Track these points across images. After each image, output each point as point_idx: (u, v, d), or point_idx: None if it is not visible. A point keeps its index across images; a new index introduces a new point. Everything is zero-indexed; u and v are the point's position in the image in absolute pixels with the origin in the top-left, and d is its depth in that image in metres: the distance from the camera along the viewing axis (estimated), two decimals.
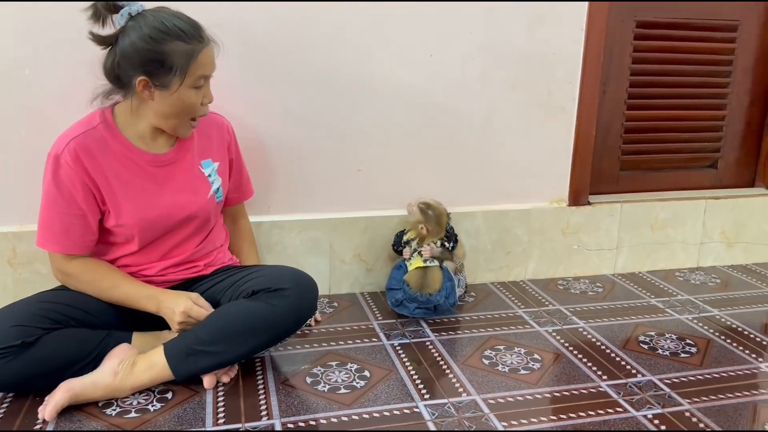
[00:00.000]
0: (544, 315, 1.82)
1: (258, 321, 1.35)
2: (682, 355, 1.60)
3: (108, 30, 1.33)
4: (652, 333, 1.72)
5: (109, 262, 1.43)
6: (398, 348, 1.59)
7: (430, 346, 1.60)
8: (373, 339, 1.63)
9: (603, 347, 1.63)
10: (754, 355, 1.60)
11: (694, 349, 1.63)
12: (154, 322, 1.45)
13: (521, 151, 2.01)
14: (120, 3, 1.32)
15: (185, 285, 1.50)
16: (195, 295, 1.41)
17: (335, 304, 1.86)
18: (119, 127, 1.39)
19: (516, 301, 1.92)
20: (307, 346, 1.59)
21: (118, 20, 1.31)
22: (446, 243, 1.80)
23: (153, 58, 1.29)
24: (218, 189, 1.51)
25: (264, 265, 1.60)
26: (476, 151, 1.97)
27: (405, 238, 1.83)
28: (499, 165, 2.00)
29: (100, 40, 1.32)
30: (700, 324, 1.78)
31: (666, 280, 2.12)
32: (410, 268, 1.77)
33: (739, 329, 1.75)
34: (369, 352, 1.57)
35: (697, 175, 2.31)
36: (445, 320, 1.77)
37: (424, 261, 1.77)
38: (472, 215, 1.98)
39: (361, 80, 1.80)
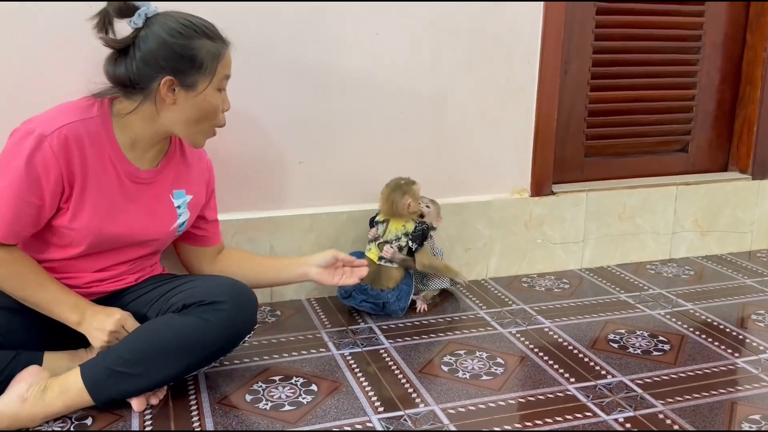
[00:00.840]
0: (508, 315, 1.85)
1: (189, 338, 1.34)
2: (655, 353, 1.65)
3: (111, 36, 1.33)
4: (623, 331, 1.77)
5: (36, 260, 1.39)
6: (349, 358, 1.59)
7: (384, 354, 1.61)
8: (321, 349, 1.64)
9: (570, 348, 1.67)
10: (730, 351, 1.66)
11: (667, 347, 1.68)
12: (70, 341, 1.41)
13: (478, 138, 2.04)
14: (134, 3, 1.32)
15: (107, 298, 1.47)
16: (126, 315, 1.39)
17: (278, 312, 1.85)
18: (114, 127, 1.37)
19: (477, 301, 1.95)
20: (246, 360, 1.58)
21: (134, 21, 1.32)
22: (411, 243, 1.81)
23: (183, 54, 1.31)
24: (183, 223, 1.51)
25: (196, 275, 1.58)
26: (429, 138, 1.98)
27: (377, 218, 1.85)
28: (454, 153, 2.02)
29: (117, 43, 1.32)
30: (674, 319, 1.84)
31: (636, 274, 2.18)
32: (366, 254, 1.81)
33: (715, 323, 1.81)
34: (316, 363, 1.57)
35: (666, 159, 2.38)
36: (400, 325, 1.78)
37: (379, 259, 1.80)
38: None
39: (296, 63, 1.80)
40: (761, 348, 1.68)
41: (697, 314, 1.88)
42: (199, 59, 1.33)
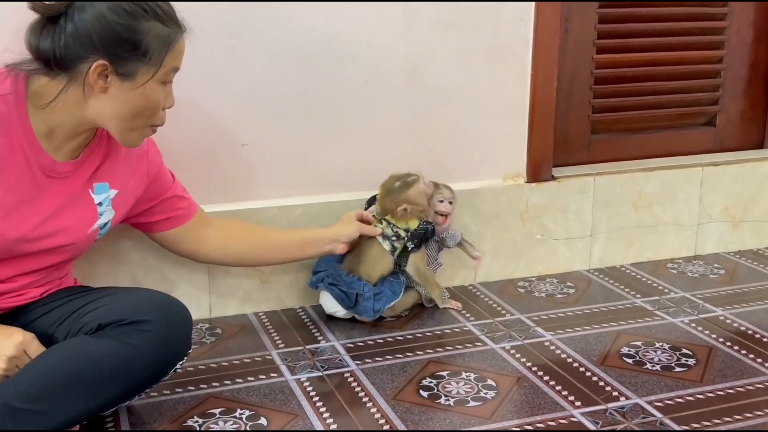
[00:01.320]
0: (500, 327, 1.86)
1: (107, 367, 1.32)
2: (677, 369, 1.66)
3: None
4: (639, 343, 1.78)
5: None
6: (306, 384, 1.59)
7: (350, 379, 1.61)
8: (272, 374, 1.63)
9: (576, 365, 1.67)
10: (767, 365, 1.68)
11: (692, 361, 1.69)
12: None
13: (462, 113, 2.03)
14: None
15: (6, 315, 1.45)
16: (30, 337, 1.36)
17: (218, 330, 1.84)
18: (29, 110, 1.34)
19: (464, 311, 1.95)
20: (179, 390, 1.56)
21: None
22: (408, 242, 1.84)
23: (124, 37, 1.29)
24: (106, 224, 1.49)
25: (116, 287, 1.57)
26: (401, 114, 1.98)
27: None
28: (433, 132, 2.02)
29: (46, 9, 1.28)
30: (700, 328, 1.85)
31: (655, 274, 2.19)
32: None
33: (750, 332, 1.83)
34: (266, 392, 1.55)
35: (690, 135, 2.40)
36: (370, 342, 1.77)
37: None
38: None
39: (238, 21, 1.78)
40: None
41: (729, 321, 1.89)
42: (143, 45, 1.31)
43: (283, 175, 1.91)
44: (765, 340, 1.80)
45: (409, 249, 1.85)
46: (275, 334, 1.82)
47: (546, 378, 1.62)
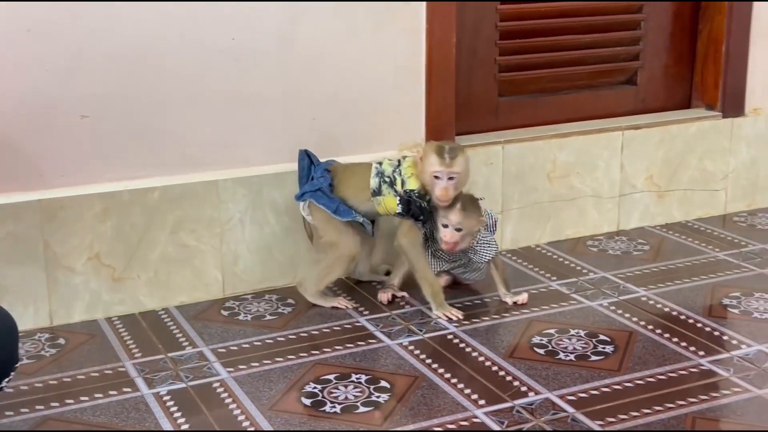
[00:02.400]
0: (399, 321, 1.87)
1: None
2: (593, 358, 1.69)
3: None
4: (552, 331, 1.81)
5: None
6: (167, 398, 1.56)
7: (220, 389, 1.59)
8: (126, 389, 1.60)
9: (482, 359, 1.69)
10: (693, 349, 1.72)
11: (609, 349, 1.73)
12: None
13: (346, 75, 2.02)
14: None
15: None
16: None
17: (61, 340, 1.79)
18: None
19: (355, 303, 1.95)
20: (10, 413, 1.51)
21: None
22: (401, 204, 1.86)
23: None
24: None
25: None
26: (275, 78, 1.96)
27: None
28: (314, 98, 2.00)
29: None
30: (620, 311, 1.90)
31: (574, 254, 2.24)
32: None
33: (674, 314, 1.88)
34: (117, 410, 1.53)
35: (608, 95, 2.44)
36: (245, 346, 1.76)
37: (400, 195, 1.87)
38: (281, 179, 1.98)
39: None
40: (734, 343, 1.76)
41: (652, 303, 1.94)
42: None
43: (134, 152, 1.87)
44: (690, 321, 1.85)
45: (396, 213, 1.87)
46: (131, 341, 1.79)
47: (447, 376, 1.63)
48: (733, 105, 2.49)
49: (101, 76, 1.81)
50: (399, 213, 1.86)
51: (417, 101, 2.11)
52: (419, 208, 1.85)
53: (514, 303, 1.92)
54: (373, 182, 1.87)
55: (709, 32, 2.48)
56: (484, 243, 1.91)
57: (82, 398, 1.57)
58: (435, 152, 1.82)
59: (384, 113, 2.09)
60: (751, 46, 2.47)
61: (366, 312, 1.91)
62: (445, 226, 1.85)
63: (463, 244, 1.87)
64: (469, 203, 1.86)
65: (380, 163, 1.89)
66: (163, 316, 1.89)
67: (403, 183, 1.86)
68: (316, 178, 1.89)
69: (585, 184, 2.32)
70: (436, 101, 2.13)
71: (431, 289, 1.89)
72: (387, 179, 1.87)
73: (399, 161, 1.89)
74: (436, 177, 1.82)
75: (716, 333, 1.80)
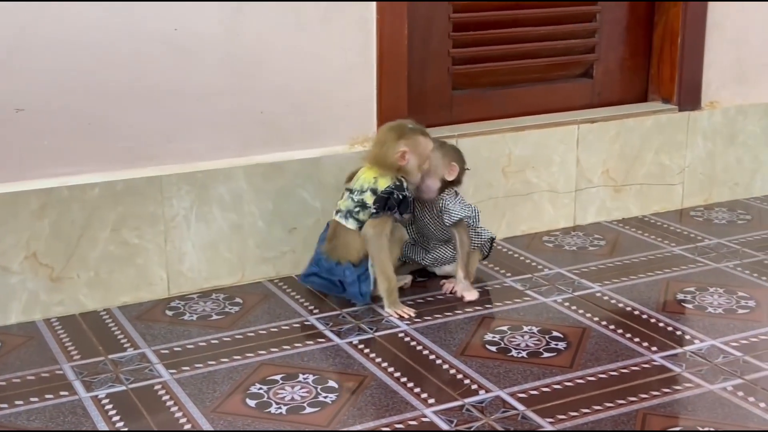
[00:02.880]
0: (349, 320, 1.86)
1: None
2: (546, 355, 1.70)
3: None
4: (504, 328, 1.81)
5: None
6: (105, 402, 1.55)
7: (162, 392, 1.58)
8: (63, 392, 1.58)
9: (432, 357, 1.69)
10: (646, 344, 1.73)
11: (562, 345, 1.74)
12: None
13: (296, 67, 2.01)
14: None
15: None
16: None
17: None
18: None
19: (304, 301, 1.95)
20: None
21: None
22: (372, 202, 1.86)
23: None
24: None
25: None
26: (220, 69, 1.94)
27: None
28: (261, 90, 1.99)
29: None
30: (574, 307, 1.91)
31: (529, 249, 2.24)
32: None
33: (628, 309, 1.90)
34: (53, 414, 1.51)
35: (564, 89, 2.45)
36: (190, 346, 1.74)
37: (336, 212, 1.90)
38: (227, 175, 1.97)
39: None
40: (687, 338, 1.77)
41: (606, 299, 1.95)
42: None
43: (72, 146, 1.84)
44: (644, 317, 1.86)
45: (371, 214, 1.85)
46: (70, 343, 1.76)
47: (397, 375, 1.63)
48: (689, 98, 2.51)
49: (37, 67, 1.79)
50: (374, 213, 1.86)
51: (368, 94, 2.11)
52: (400, 200, 1.86)
53: (462, 296, 1.94)
54: (351, 224, 1.87)
55: (665, 24, 2.50)
56: (457, 203, 1.97)
57: (17, 402, 1.54)
58: (421, 134, 1.90)
59: (334, 107, 2.07)
60: (707, 38, 2.49)
61: (316, 310, 1.90)
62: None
63: (431, 180, 1.94)
64: (450, 147, 1.99)
65: (345, 215, 1.89)
66: (104, 317, 1.87)
67: (374, 191, 1.86)
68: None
69: (541, 178, 2.33)
70: (388, 94, 2.12)
71: (387, 284, 1.88)
72: (357, 208, 1.87)
73: (351, 190, 1.90)
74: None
75: (670, 328, 1.81)
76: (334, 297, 1.95)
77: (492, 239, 2.04)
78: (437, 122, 2.27)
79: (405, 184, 1.87)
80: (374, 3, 2.05)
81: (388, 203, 1.86)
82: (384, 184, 1.86)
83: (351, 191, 1.89)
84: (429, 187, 1.95)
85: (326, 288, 1.93)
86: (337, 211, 1.90)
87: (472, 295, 1.94)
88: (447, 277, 2.03)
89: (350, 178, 1.94)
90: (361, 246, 1.87)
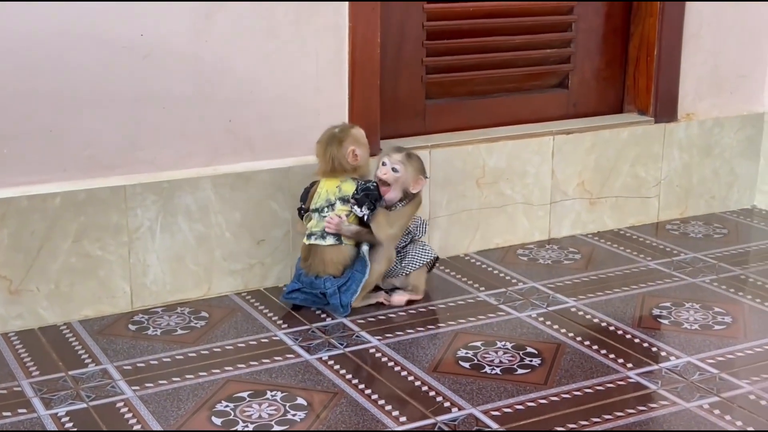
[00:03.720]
0: (319, 335, 1.86)
1: None
2: (520, 371, 1.70)
3: None
4: (478, 344, 1.81)
5: None
6: (65, 420, 1.53)
7: (124, 409, 1.57)
8: (21, 410, 1.56)
9: (404, 374, 1.69)
10: (621, 361, 1.74)
11: (536, 361, 1.74)
12: None
13: (265, 75, 2.01)
14: None
15: None
16: None
17: None
18: None
19: (272, 315, 1.94)
20: None
21: None
22: (356, 208, 1.90)
23: None
24: None
25: None
26: (187, 78, 1.94)
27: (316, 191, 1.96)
28: (229, 98, 1.99)
29: None
30: (548, 323, 1.91)
31: (503, 263, 2.25)
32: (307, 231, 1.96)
33: (603, 325, 1.90)
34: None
35: (539, 99, 2.47)
36: (153, 363, 1.73)
37: (308, 237, 1.93)
38: (194, 185, 1.96)
39: None
40: (663, 354, 1.78)
41: (581, 314, 1.96)
42: None
43: (32, 155, 1.83)
44: (620, 333, 1.87)
45: (364, 216, 1.90)
46: (28, 359, 1.75)
47: (368, 392, 1.62)
48: (665, 110, 2.53)
49: None
50: (369, 212, 1.91)
51: (340, 102, 2.11)
52: (376, 188, 1.94)
53: (389, 300, 1.99)
54: (348, 229, 1.92)
55: (641, 35, 2.52)
56: (418, 248, 2.03)
57: None
58: (350, 128, 1.98)
59: (304, 115, 2.07)
60: (683, 49, 2.51)
61: (285, 325, 1.90)
62: (384, 164, 1.98)
63: (394, 193, 1.97)
64: (415, 156, 2.00)
65: (322, 236, 1.93)
66: (64, 332, 1.85)
67: (344, 199, 1.92)
68: None
69: (515, 190, 2.34)
70: (360, 103, 2.12)
71: (387, 265, 1.97)
72: (327, 208, 1.92)
73: (318, 209, 1.94)
74: (383, 164, 1.98)
75: (645, 344, 1.82)
76: (304, 311, 1.95)
77: (436, 258, 2.06)
78: (410, 132, 2.28)
79: (371, 183, 1.95)
80: (347, 8, 2.05)
81: (371, 196, 1.91)
82: (350, 188, 1.91)
83: (318, 210, 1.93)
84: (391, 200, 1.97)
85: (309, 302, 1.96)
86: (310, 235, 1.93)
87: (400, 300, 2.00)
88: (394, 289, 2.03)
89: (304, 199, 1.97)
90: (339, 258, 1.92)
